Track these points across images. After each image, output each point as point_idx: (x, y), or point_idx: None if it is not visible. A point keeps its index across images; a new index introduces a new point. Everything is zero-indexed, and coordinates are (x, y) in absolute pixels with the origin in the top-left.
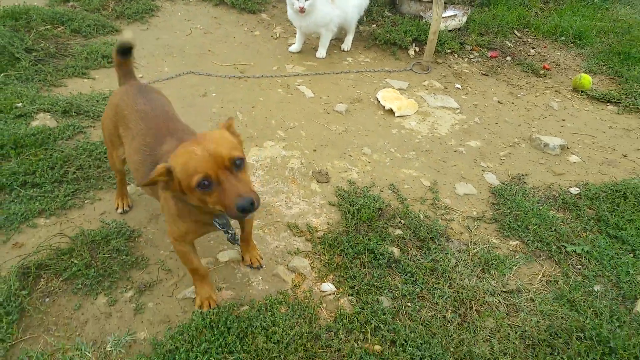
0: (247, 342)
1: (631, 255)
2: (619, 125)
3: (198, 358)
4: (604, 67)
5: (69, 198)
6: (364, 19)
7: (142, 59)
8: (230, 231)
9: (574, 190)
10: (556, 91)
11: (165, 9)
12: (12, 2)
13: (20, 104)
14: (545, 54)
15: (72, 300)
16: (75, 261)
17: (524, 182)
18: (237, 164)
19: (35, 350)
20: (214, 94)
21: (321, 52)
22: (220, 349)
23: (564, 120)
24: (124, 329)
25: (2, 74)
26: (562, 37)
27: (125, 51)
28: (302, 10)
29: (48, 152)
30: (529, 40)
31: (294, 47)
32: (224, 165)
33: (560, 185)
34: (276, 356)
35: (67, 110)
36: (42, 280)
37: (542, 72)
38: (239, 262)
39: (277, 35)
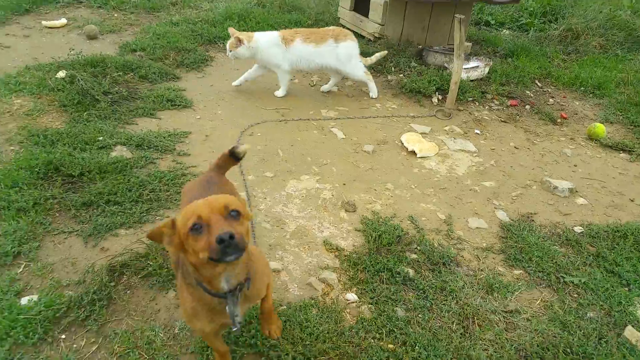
0: (285, 332)
1: (625, 288)
2: (630, 172)
3: (247, 341)
4: (621, 117)
5: (144, 215)
6: (392, 68)
7: (200, 103)
8: (236, 320)
9: (577, 229)
10: (571, 139)
11: (218, 59)
12: (91, 51)
13: (101, 138)
14: (564, 104)
15: (148, 293)
16: (151, 263)
17: (532, 220)
18: (231, 214)
19: (120, 329)
20: (259, 134)
21: (279, 92)
22: (264, 336)
23: (575, 165)
24: None
25: (86, 112)
26: (582, 88)
27: (238, 157)
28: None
29: (126, 178)
30: (549, 90)
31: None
32: (217, 210)
33: (565, 224)
34: (308, 344)
35: (139, 144)
36: (124, 276)
37: (559, 120)
38: (279, 271)
39: (314, 83)
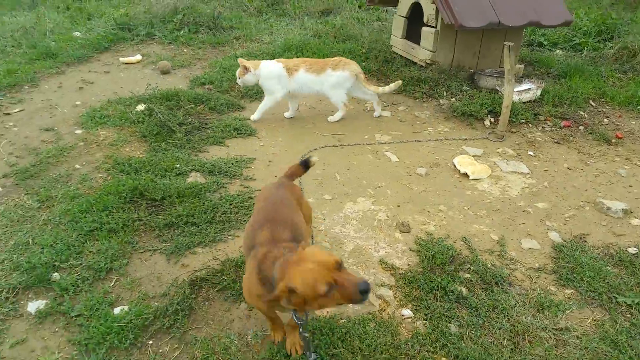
0: (346, 343)
1: None
2: None
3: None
4: None
5: (218, 234)
6: (444, 93)
7: (263, 131)
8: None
9: (632, 250)
10: (627, 159)
11: None
12: (165, 85)
13: (178, 165)
14: (619, 123)
15: (224, 305)
16: (225, 278)
17: (585, 241)
18: (339, 266)
19: (200, 336)
20: (316, 158)
21: (255, 112)
22: (327, 345)
23: (631, 186)
24: (259, 326)
25: (164, 142)
26: (639, 107)
27: (307, 166)
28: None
29: (201, 201)
30: (604, 109)
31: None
32: (334, 269)
33: (619, 244)
34: (367, 354)
35: (211, 170)
36: (203, 289)
37: (614, 140)
38: None
39: (368, 109)
